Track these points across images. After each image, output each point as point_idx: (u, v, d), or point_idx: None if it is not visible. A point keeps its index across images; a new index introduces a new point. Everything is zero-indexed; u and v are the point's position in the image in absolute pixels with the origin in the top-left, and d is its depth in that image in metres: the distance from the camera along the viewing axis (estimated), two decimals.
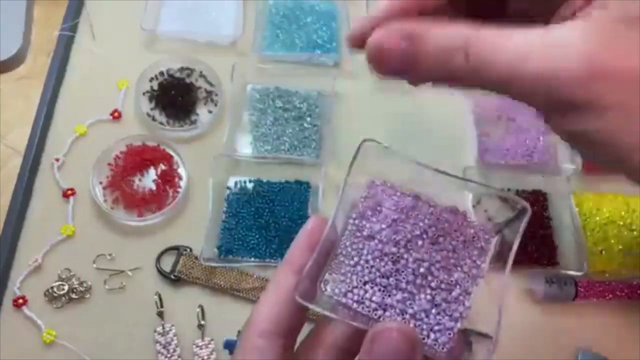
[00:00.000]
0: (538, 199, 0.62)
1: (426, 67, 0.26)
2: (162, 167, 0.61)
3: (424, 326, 0.29)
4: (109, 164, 0.61)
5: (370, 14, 0.28)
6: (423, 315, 0.29)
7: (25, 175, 0.59)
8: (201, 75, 0.67)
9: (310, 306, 0.28)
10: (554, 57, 0.24)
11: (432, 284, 0.29)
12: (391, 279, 0.29)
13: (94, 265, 0.57)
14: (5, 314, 0.54)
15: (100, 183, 0.60)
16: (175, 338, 0.54)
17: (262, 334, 0.28)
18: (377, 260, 0.30)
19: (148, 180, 0.61)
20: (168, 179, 0.60)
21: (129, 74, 0.66)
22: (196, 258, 0.56)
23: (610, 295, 0.57)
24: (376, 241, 0.30)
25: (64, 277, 0.56)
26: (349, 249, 0.30)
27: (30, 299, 0.55)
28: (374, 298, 0.29)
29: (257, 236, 0.58)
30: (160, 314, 0.55)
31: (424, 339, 0.28)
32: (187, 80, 0.66)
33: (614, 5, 0.25)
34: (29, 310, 0.54)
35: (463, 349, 0.29)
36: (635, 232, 0.59)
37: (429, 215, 0.30)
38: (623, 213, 0.60)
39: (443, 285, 0.29)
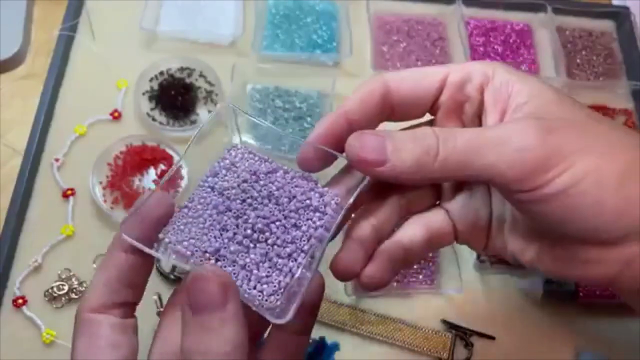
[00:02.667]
0: None
1: (403, 155, 0.29)
2: (162, 167, 0.61)
3: (252, 277, 0.29)
4: (109, 164, 0.61)
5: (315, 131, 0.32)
6: (253, 267, 0.29)
7: (25, 175, 0.59)
8: (201, 75, 0.67)
9: (135, 243, 0.29)
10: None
11: (269, 241, 0.30)
12: (229, 232, 0.30)
13: (94, 265, 0.56)
14: (5, 314, 0.54)
15: (100, 183, 0.60)
16: None
17: (93, 309, 0.29)
18: (221, 214, 0.30)
19: (148, 180, 0.61)
20: None
21: (129, 73, 0.66)
22: None
23: (611, 295, 0.57)
24: (224, 197, 0.31)
25: (64, 277, 0.56)
26: (196, 202, 0.31)
27: (30, 299, 0.55)
28: (209, 249, 0.30)
29: None
30: (160, 314, 0.54)
31: (250, 289, 0.29)
32: (187, 80, 0.66)
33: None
34: (29, 310, 0.54)
35: (290, 307, 0.28)
36: None
37: (281, 179, 0.31)
38: None
39: (279, 242, 0.30)
